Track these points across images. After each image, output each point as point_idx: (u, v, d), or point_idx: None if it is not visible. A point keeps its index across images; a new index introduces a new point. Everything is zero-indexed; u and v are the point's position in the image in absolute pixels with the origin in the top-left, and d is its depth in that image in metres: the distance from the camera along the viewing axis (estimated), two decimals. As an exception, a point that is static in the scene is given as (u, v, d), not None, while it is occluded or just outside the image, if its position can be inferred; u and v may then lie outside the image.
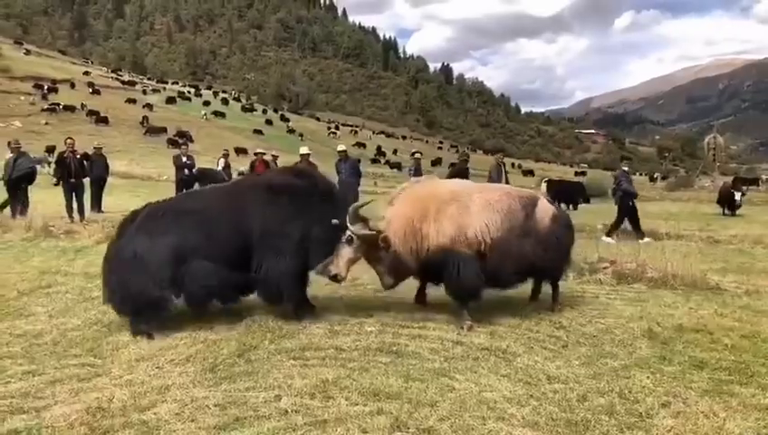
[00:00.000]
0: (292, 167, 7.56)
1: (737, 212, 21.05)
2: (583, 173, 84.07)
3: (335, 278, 5.96)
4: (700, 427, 3.90)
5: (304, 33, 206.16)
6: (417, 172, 14.84)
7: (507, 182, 13.71)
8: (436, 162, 68.70)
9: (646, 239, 12.64)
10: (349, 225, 5.83)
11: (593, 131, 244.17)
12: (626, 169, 14.70)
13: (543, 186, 30.03)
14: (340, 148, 14.96)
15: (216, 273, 5.67)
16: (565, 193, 25.61)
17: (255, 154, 18.89)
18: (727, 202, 21.46)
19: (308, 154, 14.01)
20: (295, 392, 4.32)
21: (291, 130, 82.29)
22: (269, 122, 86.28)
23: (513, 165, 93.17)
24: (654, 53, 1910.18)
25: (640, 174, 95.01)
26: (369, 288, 7.53)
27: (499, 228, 5.94)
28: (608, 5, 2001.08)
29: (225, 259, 5.72)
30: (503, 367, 4.91)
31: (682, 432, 3.83)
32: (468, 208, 5.94)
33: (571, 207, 24.14)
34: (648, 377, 4.75)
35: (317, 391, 4.33)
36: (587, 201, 26.22)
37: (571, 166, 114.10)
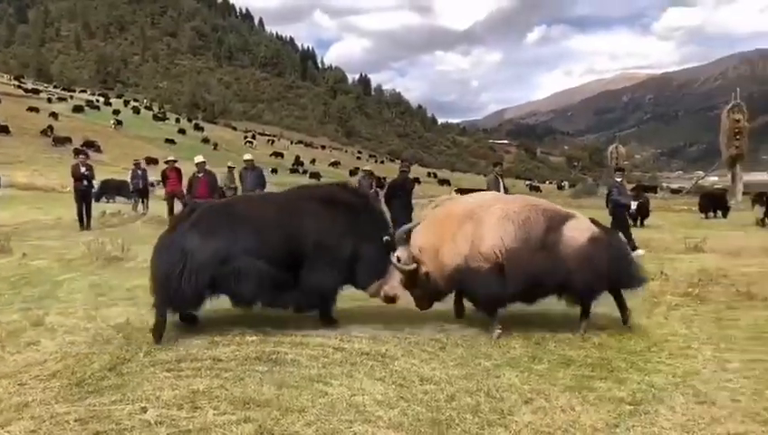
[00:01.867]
0: (344, 183, 7.53)
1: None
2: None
3: (392, 300, 6.24)
4: (556, 421, 4.08)
5: (220, 41, 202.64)
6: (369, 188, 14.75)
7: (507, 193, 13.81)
8: (354, 172, 68.88)
9: (639, 251, 12.22)
10: (397, 248, 6.15)
11: (506, 142, 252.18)
12: (619, 180, 14.47)
13: (453, 195, 30.61)
14: (246, 157, 14.75)
15: (265, 276, 5.77)
16: None
17: (166, 162, 18.34)
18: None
19: (203, 162, 13.78)
20: (162, 404, 4.24)
21: (205, 140, 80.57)
22: (182, 132, 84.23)
23: (429, 174, 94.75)
24: (563, 66, 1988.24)
25: (550, 182, 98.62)
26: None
27: (514, 239, 5.91)
28: (519, 20, 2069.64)
29: (274, 264, 5.84)
30: (378, 371, 4.98)
31: (539, 427, 4.00)
32: (483, 222, 6.03)
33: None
34: (516, 375, 4.94)
35: (185, 402, 4.27)
36: None
37: (485, 176, 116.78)
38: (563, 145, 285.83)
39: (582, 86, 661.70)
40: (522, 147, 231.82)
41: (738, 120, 37.77)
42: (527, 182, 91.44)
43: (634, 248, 12.28)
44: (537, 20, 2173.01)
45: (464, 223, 6.10)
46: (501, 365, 5.18)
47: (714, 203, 26.44)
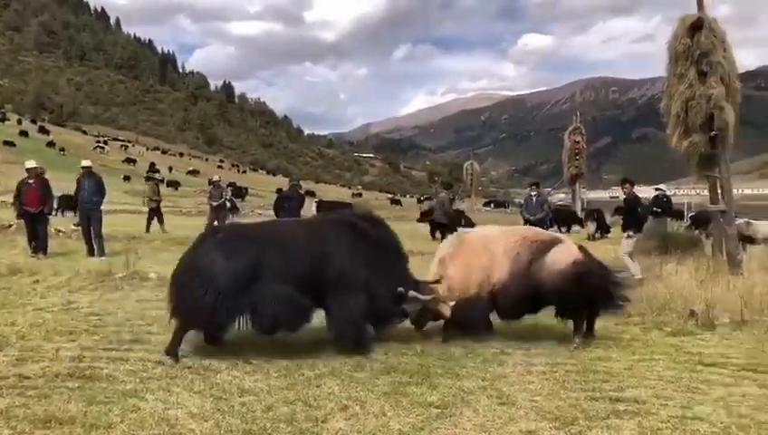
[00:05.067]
0: (370, 212, 7.33)
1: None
2: (359, 195, 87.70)
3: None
4: (367, 426, 4.24)
5: (71, 39, 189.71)
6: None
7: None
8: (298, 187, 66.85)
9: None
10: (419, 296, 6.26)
11: (371, 155, 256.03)
12: (533, 193, 14.66)
13: (313, 206, 30.75)
14: (84, 163, 13.95)
15: (289, 303, 5.60)
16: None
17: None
18: (472, 225, 23.69)
19: (35, 168, 12.94)
20: (-50, 427, 3.93)
21: (50, 144, 75.06)
22: (24, 134, 77.86)
23: (301, 187, 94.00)
24: (427, 84, 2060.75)
25: (411, 196, 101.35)
26: (83, 311, 7.14)
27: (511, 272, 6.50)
28: (385, 37, 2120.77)
29: (299, 290, 5.68)
30: (198, 384, 4.93)
31: (350, 432, 4.14)
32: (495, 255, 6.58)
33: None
34: (337, 384, 5.06)
35: (-22, 424, 3.98)
36: None
37: (350, 188, 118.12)
38: (426, 160, 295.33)
39: (444, 104, 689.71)
40: (386, 161, 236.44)
41: (578, 142, 40.69)
42: (389, 196, 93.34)
43: None
44: (403, 38, 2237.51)
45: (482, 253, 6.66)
46: (323, 375, 5.29)
47: (565, 219, 28.32)
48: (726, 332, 6.96)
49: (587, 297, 6.50)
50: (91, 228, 13.00)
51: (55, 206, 17.08)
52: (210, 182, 19.54)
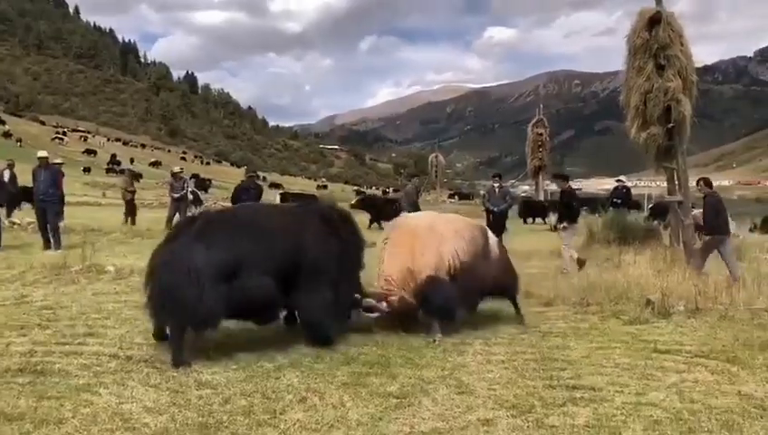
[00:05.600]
0: (335, 205, 7.08)
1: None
2: (325, 187, 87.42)
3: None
4: (325, 417, 4.22)
5: (28, 27, 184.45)
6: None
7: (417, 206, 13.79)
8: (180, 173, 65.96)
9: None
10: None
11: (337, 147, 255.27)
12: (496, 185, 14.80)
13: (277, 198, 30.55)
14: (40, 154, 13.55)
15: (269, 292, 5.47)
16: None
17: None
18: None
19: None
20: None
21: (7, 134, 73.06)
22: (-21, 124, 75.77)
23: (258, 177, 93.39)
24: (392, 76, 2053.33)
25: (376, 188, 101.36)
26: (36, 305, 6.96)
27: (467, 254, 6.61)
28: (350, 28, 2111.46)
29: (276, 279, 5.53)
30: (154, 377, 4.85)
31: (307, 424, 4.11)
32: (444, 238, 6.60)
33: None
34: (297, 376, 5.03)
35: None
36: None
37: (315, 180, 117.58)
38: (391, 152, 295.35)
39: (410, 96, 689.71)
40: (351, 153, 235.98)
41: (541, 134, 41.23)
42: (354, 188, 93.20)
43: None
44: (369, 29, 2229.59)
45: (428, 238, 6.59)
46: (283, 367, 5.25)
47: (533, 210, 28.67)
48: (681, 320, 7.11)
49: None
50: (48, 222, 12.67)
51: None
52: (172, 174, 19.21)
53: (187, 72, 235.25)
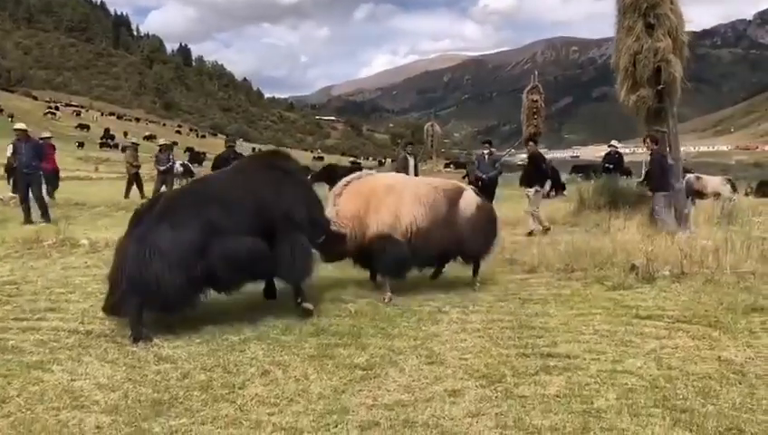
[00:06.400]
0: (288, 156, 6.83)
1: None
2: (321, 158, 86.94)
3: None
4: (286, 391, 4.06)
5: (17, 1, 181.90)
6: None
7: (417, 174, 13.61)
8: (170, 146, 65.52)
9: None
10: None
11: (333, 118, 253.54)
12: (486, 151, 14.53)
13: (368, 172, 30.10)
14: (18, 126, 13.19)
15: (250, 251, 5.33)
16: None
17: (42, 138, 16.44)
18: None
19: None
20: None
21: (-2, 110, 72.47)
22: (-30, 100, 74.99)
23: (253, 150, 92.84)
24: (389, 45, 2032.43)
25: (373, 159, 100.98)
26: (1, 280, 6.76)
27: (425, 219, 6.61)
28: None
29: (256, 237, 5.43)
30: (112, 353, 4.69)
31: (266, 398, 3.95)
32: (402, 200, 6.61)
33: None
34: (262, 348, 4.87)
35: None
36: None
37: (312, 151, 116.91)
38: (389, 123, 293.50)
39: (407, 65, 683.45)
40: (348, 124, 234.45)
41: (536, 101, 40.39)
42: (351, 159, 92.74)
43: None
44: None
45: (387, 196, 6.61)
46: (249, 339, 5.08)
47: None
48: (665, 284, 6.92)
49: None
50: (33, 195, 12.42)
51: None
52: (159, 146, 18.90)
53: (181, 44, 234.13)
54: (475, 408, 3.83)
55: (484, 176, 14.31)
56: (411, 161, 14.78)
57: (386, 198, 6.65)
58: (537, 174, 12.71)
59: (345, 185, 6.82)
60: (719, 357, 4.67)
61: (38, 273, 7.35)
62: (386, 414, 3.72)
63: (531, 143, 13.79)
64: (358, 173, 7.32)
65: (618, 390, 4.07)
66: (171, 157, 18.09)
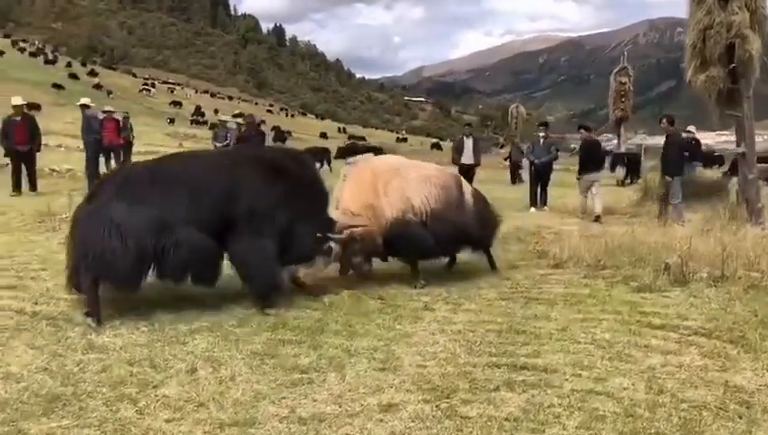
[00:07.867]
0: (289, 149, 6.98)
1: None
2: (404, 139, 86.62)
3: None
4: (202, 394, 3.65)
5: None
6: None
7: (477, 157, 13.61)
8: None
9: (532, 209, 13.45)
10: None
11: (422, 99, 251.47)
12: (542, 135, 13.77)
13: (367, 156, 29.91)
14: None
15: (201, 248, 4.98)
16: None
17: (104, 112, 17.44)
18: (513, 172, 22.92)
19: (21, 105, 12.54)
20: None
21: (97, 86, 75.88)
22: (74, 76, 78.98)
23: (339, 129, 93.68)
24: (483, 25, 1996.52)
25: (450, 140, 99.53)
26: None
27: (438, 201, 6.23)
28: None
29: (209, 233, 5.04)
30: (44, 338, 4.41)
31: (176, 401, 3.56)
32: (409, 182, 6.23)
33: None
34: (208, 341, 4.48)
35: None
36: None
37: (397, 132, 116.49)
38: (479, 104, 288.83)
39: (501, 46, 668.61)
40: (437, 105, 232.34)
41: (624, 83, 38.36)
42: (434, 140, 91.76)
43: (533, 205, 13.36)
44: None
45: (392, 179, 6.17)
46: (198, 330, 4.69)
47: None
48: (699, 288, 6.00)
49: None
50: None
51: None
52: (218, 122, 18.95)
53: (276, 24, 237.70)
54: (402, 428, 3.28)
55: (536, 161, 13.46)
56: (469, 143, 14.11)
57: (393, 181, 6.18)
58: (590, 162, 12.18)
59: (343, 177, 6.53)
60: (726, 382, 3.89)
61: (28, 247, 7.26)
62: (294, 430, 3.24)
63: (582, 130, 12.98)
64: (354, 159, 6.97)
65: (582, 416, 3.41)
66: (229, 134, 18.07)
